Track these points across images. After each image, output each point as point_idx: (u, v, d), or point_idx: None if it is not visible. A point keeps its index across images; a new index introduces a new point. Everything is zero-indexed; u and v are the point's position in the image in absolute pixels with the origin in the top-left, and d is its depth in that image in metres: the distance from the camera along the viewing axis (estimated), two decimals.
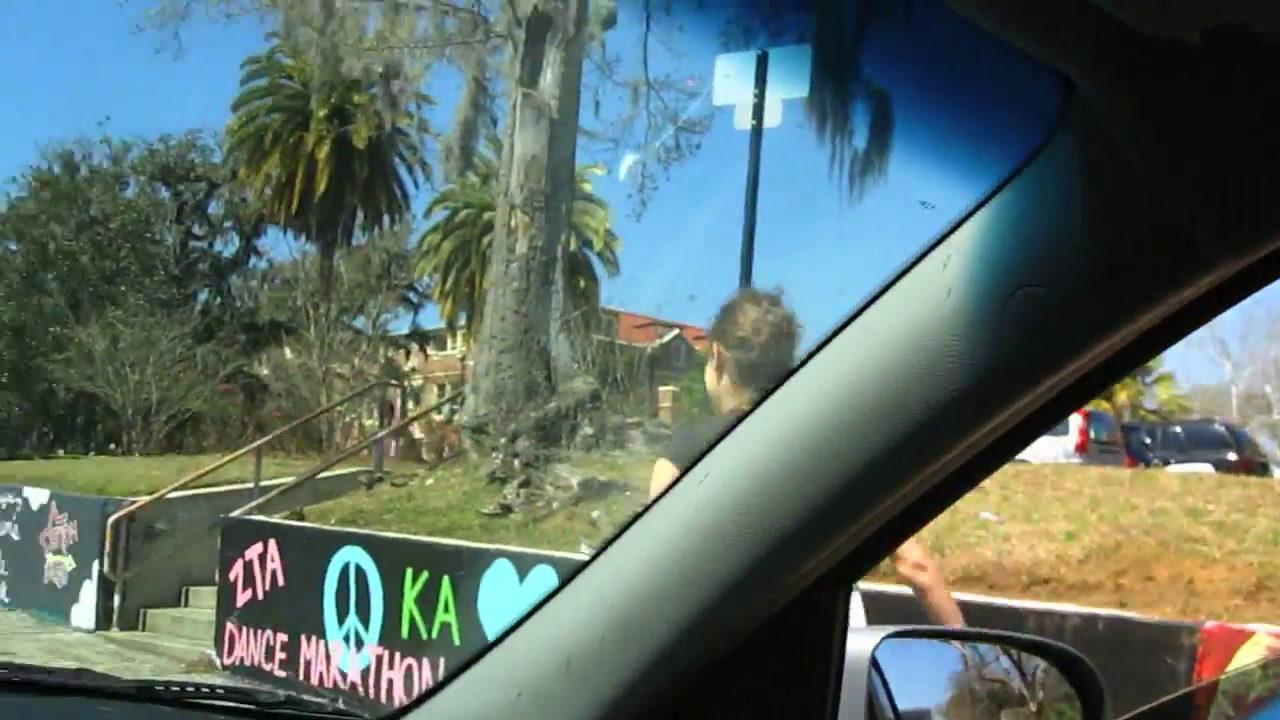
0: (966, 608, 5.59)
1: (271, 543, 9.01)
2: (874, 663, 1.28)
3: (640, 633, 1.12)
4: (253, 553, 9.12)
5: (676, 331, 56.27)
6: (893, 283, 1.00)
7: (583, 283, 34.68)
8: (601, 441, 9.25)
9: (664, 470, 3.57)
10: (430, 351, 54.83)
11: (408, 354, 52.71)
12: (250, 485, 11.56)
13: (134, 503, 11.03)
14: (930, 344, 0.96)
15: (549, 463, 8.57)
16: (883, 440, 0.99)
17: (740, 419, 1.08)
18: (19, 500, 12.05)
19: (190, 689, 1.58)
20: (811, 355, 1.05)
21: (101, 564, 10.84)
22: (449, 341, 57.48)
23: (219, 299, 46.98)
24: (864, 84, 1.40)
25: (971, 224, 0.95)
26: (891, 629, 1.36)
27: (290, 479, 11.74)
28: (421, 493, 9.25)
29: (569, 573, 1.23)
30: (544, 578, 7.06)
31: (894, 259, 1.04)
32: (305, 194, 37.13)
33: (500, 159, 10.89)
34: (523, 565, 7.20)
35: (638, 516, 1.17)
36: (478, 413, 9.87)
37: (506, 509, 8.19)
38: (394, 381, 23.68)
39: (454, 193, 40.51)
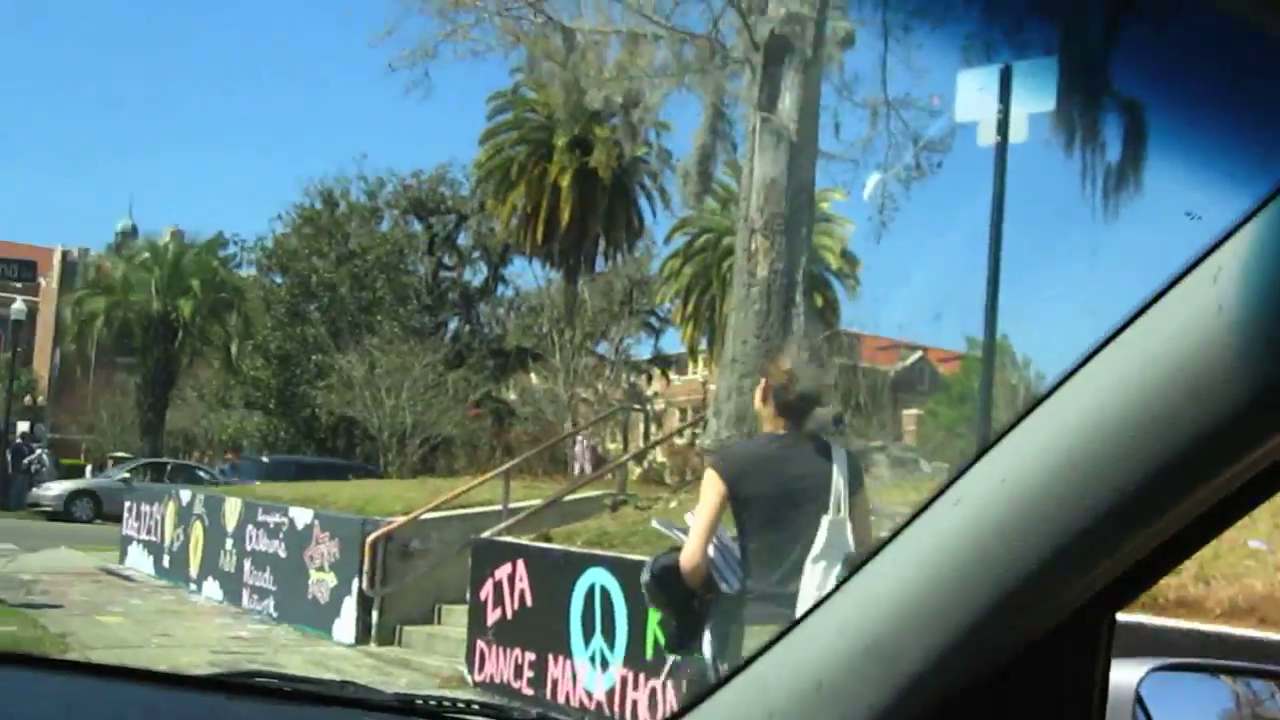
0: (1234, 642, 5.29)
1: (520, 563, 9.24)
2: (1138, 698, 1.23)
3: (893, 657, 1.10)
4: (502, 573, 9.36)
5: (920, 354, 55.25)
6: (1156, 299, 0.96)
7: (823, 305, 34.59)
8: None
9: (711, 481, 4.33)
10: (672, 376, 55.42)
11: (650, 378, 53.43)
12: (499, 507, 11.89)
13: (391, 523, 11.49)
14: (1199, 363, 0.92)
15: None
16: (1149, 464, 0.95)
17: (992, 442, 1.06)
18: (286, 520, 12.70)
19: (446, 703, 1.62)
20: (1068, 376, 1.01)
21: (361, 581, 11.32)
22: (690, 366, 57.94)
23: (468, 326, 48.63)
24: (1115, 94, 1.34)
25: (1244, 234, 0.90)
26: (1157, 661, 1.29)
27: (537, 501, 12.02)
28: (667, 514, 9.33)
29: (818, 601, 1.21)
30: None
31: (1151, 275, 0.99)
32: (550, 223, 38.08)
33: (739, 183, 10.91)
34: None
35: (888, 541, 1.15)
36: (719, 436, 9.91)
37: None
38: (637, 406, 23.84)
39: (693, 218, 40.93)
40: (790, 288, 9.92)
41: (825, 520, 4.31)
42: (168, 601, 13.56)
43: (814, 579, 4.23)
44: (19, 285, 38.72)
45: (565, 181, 37.52)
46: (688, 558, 4.33)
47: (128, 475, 29.00)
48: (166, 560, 15.55)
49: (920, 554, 1.10)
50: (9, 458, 28.99)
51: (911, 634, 1.09)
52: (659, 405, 52.18)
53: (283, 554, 12.67)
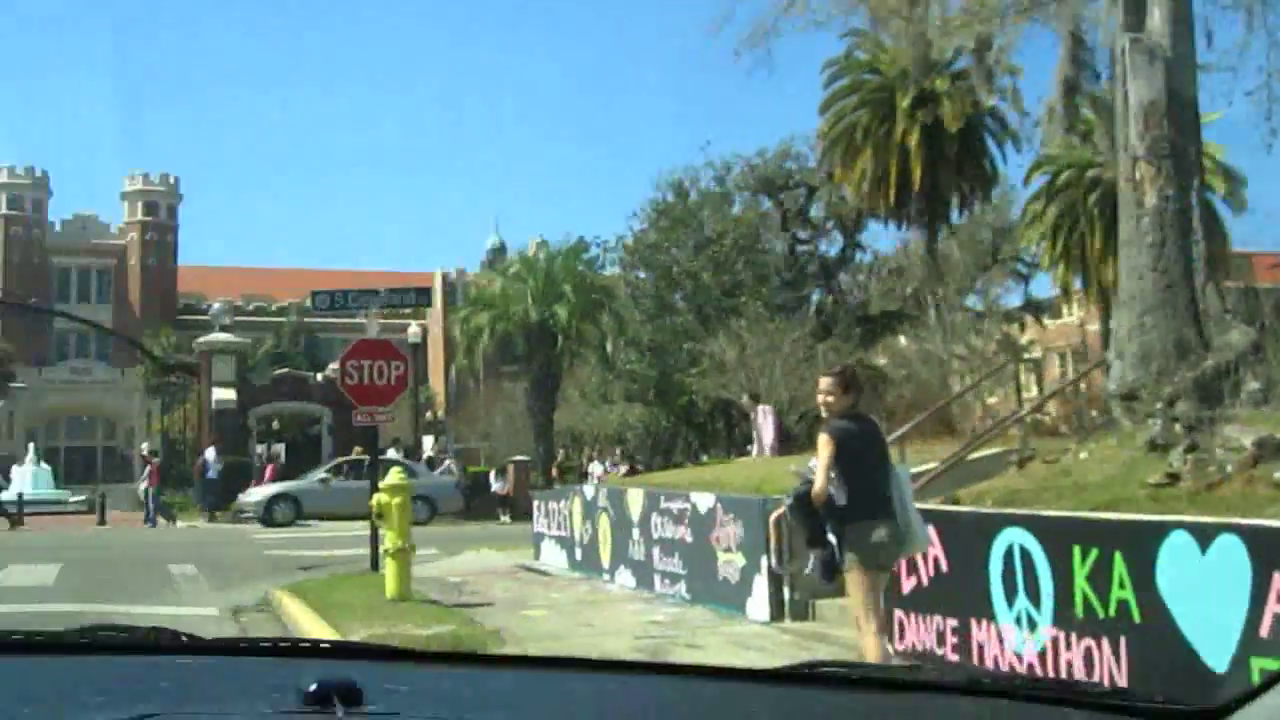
0: None
1: (930, 529, 9.09)
2: None
3: None
4: None
5: None
6: None
7: (1212, 228, 32.48)
8: (1271, 396, 8.51)
9: (825, 442, 7.13)
10: (1045, 321, 53.38)
11: (1022, 326, 51.66)
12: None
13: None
14: None
15: (1214, 424, 8.00)
16: None
17: None
18: (688, 505, 13.03)
19: (1018, 683, 1.60)
20: None
21: (769, 559, 11.46)
22: (1064, 309, 55.60)
23: (831, 297, 48.50)
24: None
25: None
26: None
27: (935, 465, 11.83)
28: (1077, 467, 8.97)
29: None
30: (1230, 547, 6.59)
31: None
32: (900, 184, 37.41)
33: (1116, 111, 10.32)
34: (1203, 535, 6.76)
35: None
36: (1125, 379, 9.42)
37: (1174, 478, 7.73)
38: (1027, 356, 23.10)
39: (1052, 156, 39.22)
40: (1184, 214, 9.29)
41: (892, 465, 7.60)
42: (584, 593, 14.17)
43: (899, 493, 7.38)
44: (408, 311, 41.66)
45: (913, 139, 36.78)
46: (818, 487, 7.19)
47: (325, 476, 30.49)
48: (579, 554, 16.27)
49: None
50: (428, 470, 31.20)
51: None
52: (1035, 352, 50.45)
53: (689, 539, 13.00)
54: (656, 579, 13.76)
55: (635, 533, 14.32)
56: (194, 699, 1.47)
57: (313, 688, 1.43)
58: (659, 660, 7.29)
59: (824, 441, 7.16)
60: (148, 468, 32.82)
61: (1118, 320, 10.04)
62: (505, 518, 30.88)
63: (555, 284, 36.12)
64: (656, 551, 13.77)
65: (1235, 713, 1.28)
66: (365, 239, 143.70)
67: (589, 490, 16.20)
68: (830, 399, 7.32)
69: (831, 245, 49.88)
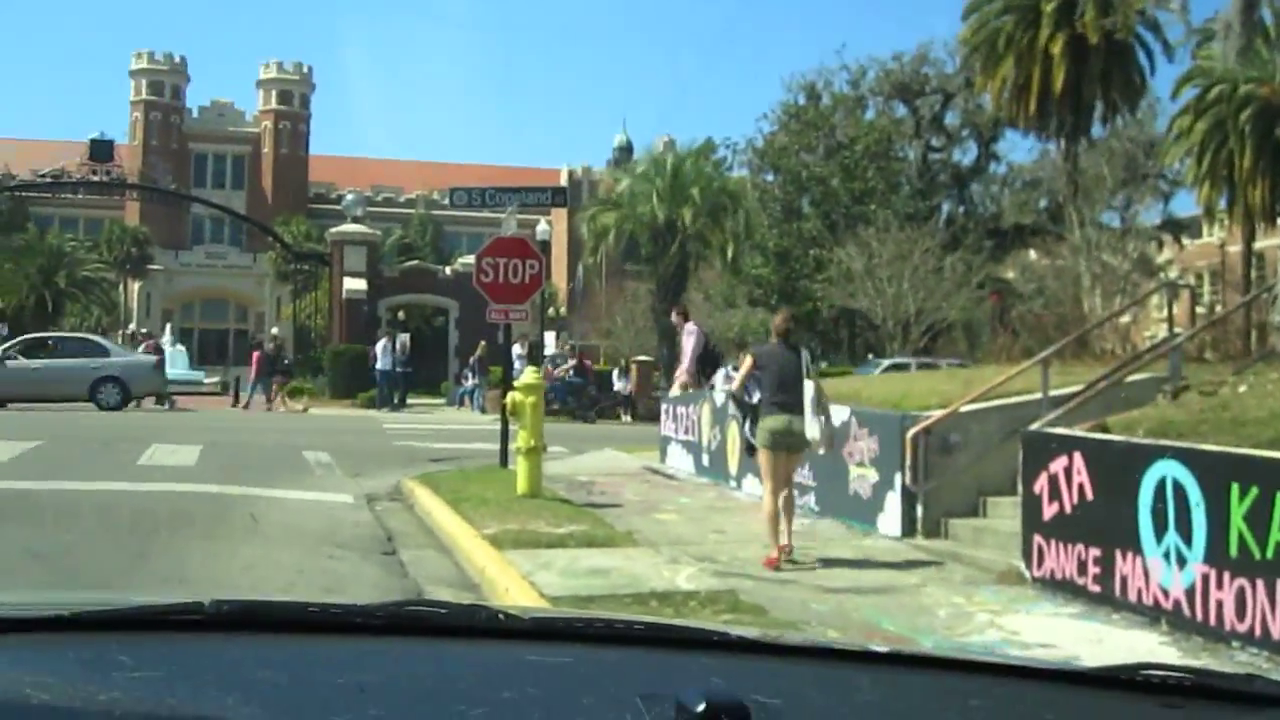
0: None
1: (1077, 455, 8.90)
2: None
3: None
4: (1057, 465, 9.06)
5: None
6: None
7: None
8: None
9: (748, 360, 10.57)
10: (1185, 241, 51.79)
11: (1160, 245, 50.20)
12: (1038, 396, 11.54)
13: (929, 417, 11.43)
14: None
15: None
16: None
17: None
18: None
19: (1146, 674, 1.51)
20: None
21: (903, 476, 11.36)
22: (1204, 229, 53.86)
23: (962, 208, 47.61)
24: None
25: None
26: None
27: (1078, 388, 11.55)
28: (1237, 400, 8.68)
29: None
30: None
31: None
32: (1042, 93, 36.30)
33: None
34: None
35: None
36: None
37: None
38: (1174, 279, 22.44)
39: (1204, 69, 37.68)
40: None
41: (808, 383, 9.98)
42: (713, 499, 14.23)
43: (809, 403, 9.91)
44: (536, 208, 41.84)
45: (1056, 47, 35.60)
46: (735, 387, 10.78)
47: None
48: (706, 459, 16.31)
49: None
50: (549, 368, 31.46)
51: None
52: (1173, 273, 49.02)
53: (821, 451, 12.93)
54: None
55: None
56: (553, 705, 1.32)
57: (700, 707, 1.25)
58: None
59: (746, 358, 10.72)
60: (255, 354, 33.59)
61: None
62: (627, 417, 31.08)
63: (682, 185, 35.83)
64: None
65: None
66: (493, 133, 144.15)
67: (718, 397, 16.18)
68: (773, 333, 10.59)
69: (966, 154, 48.87)
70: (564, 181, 60.41)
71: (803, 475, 13.36)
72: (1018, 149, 78.26)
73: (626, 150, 57.36)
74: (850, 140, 44.63)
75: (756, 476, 14.61)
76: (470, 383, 33.06)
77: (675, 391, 19.07)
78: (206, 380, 42.80)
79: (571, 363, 31.77)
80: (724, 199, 36.58)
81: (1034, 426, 9.84)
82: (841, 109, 46.57)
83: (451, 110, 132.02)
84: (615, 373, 32.98)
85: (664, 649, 1.57)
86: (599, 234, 37.82)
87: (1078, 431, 9.45)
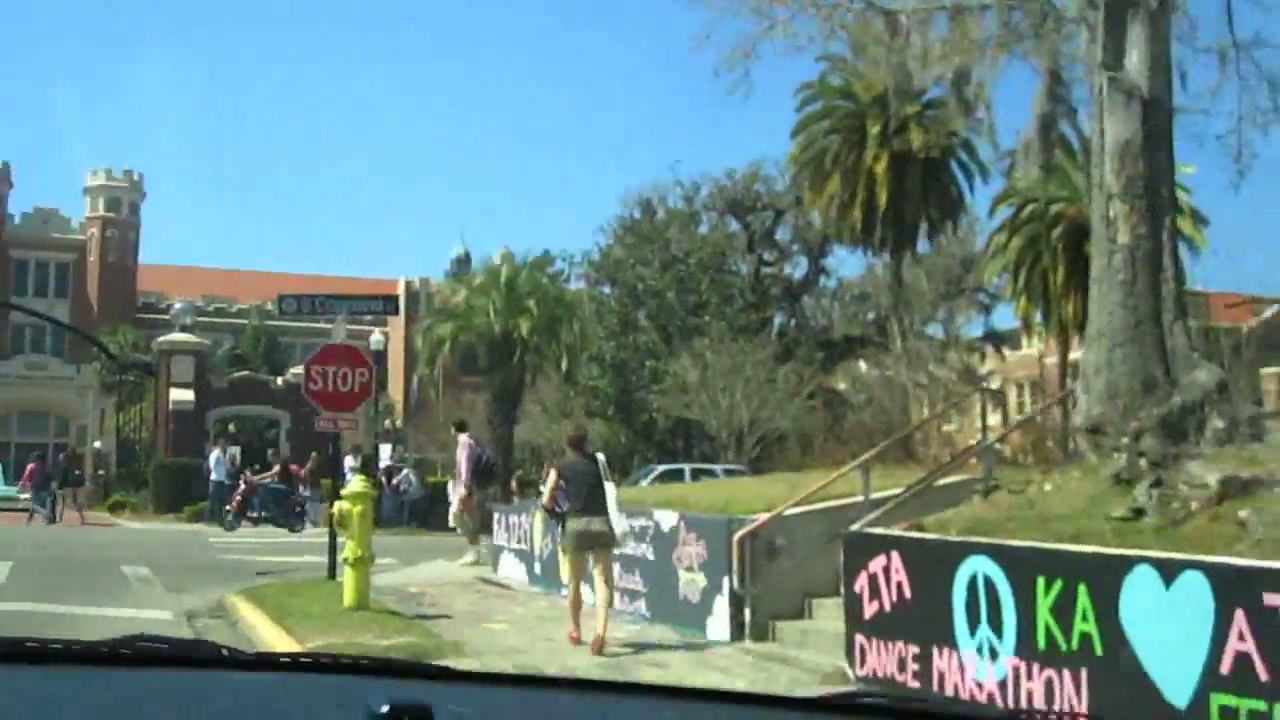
0: None
1: (894, 554, 9.14)
2: None
3: None
4: (876, 565, 9.29)
5: (1279, 307, 51.54)
6: None
7: (1178, 268, 32.80)
8: (1235, 435, 8.61)
9: (553, 472, 12.05)
10: (1005, 352, 53.81)
11: (983, 356, 52.05)
12: (860, 498, 11.83)
13: (755, 520, 11.60)
14: None
15: (1179, 461, 8.08)
16: None
17: None
18: (652, 523, 13.03)
19: (1053, 715, 1.59)
20: None
21: (731, 580, 11.48)
22: (1024, 341, 56.07)
23: (793, 320, 48.75)
24: None
25: None
26: None
27: (898, 490, 11.88)
28: (1042, 499, 9.04)
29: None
30: (1193, 584, 6.67)
31: None
32: (867, 209, 37.62)
33: (1094, 148, 10.40)
34: (1168, 571, 6.84)
35: None
36: (1092, 413, 9.49)
37: (1139, 512, 7.81)
38: (991, 387, 23.22)
39: (1016, 189, 39.57)
40: (1156, 253, 9.38)
41: (608, 485, 11.27)
42: (545, 608, 14.13)
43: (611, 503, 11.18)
44: (371, 318, 41.46)
45: (880, 166, 37.02)
46: (545, 500, 12.03)
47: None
48: (538, 568, 16.22)
49: None
50: (383, 480, 30.98)
51: None
52: (994, 383, 50.81)
53: (651, 556, 13.00)
54: (616, 596, 13.73)
55: None
56: (262, 717, 1.40)
57: (384, 709, 1.36)
58: (724, 689, 7.26)
59: (552, 472, 12.07)
60: (30, 466, 32.73)
61: (1086, 355, 10.11)
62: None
63: (518, 297, 36.02)
64: (618, 568, 13.74)
65: None
66: (328, 244, 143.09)
67: None
68: (568, 446, 12.00)
69: (797, 268, 50.17)
70: (401, 292, 60.11)
71: (633, 581, 13.42)
72: (846, 264, 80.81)
73: (464, 262, 57.41)
74: (685, 254, 45.50)
75: (589, 585, 14.64)
76: (302, 495, 32.35)
77: (455, 506, 19.33)
78: (23, 496, 41.00)
79: (276, 469, 31.06)
80: (560, 311, 36.84)
81: (854, 527, 10.08)
82: (676, 223, 47.51)
83: (289, 221, 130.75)
84: (450, 485, 32.59)
85: (377, 676, 1.63)
86: (435, 345, 37.65)
87: (895, 531, 9.71)
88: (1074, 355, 44.57)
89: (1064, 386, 44.40)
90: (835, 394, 46.17)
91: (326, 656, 1.80)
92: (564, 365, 36.92)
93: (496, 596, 15.20)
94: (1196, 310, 41.27)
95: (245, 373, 45.91)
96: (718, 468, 32.73)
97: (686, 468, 32.97)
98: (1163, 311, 9.37)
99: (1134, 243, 9.40)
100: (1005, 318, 49.44)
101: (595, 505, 11.07)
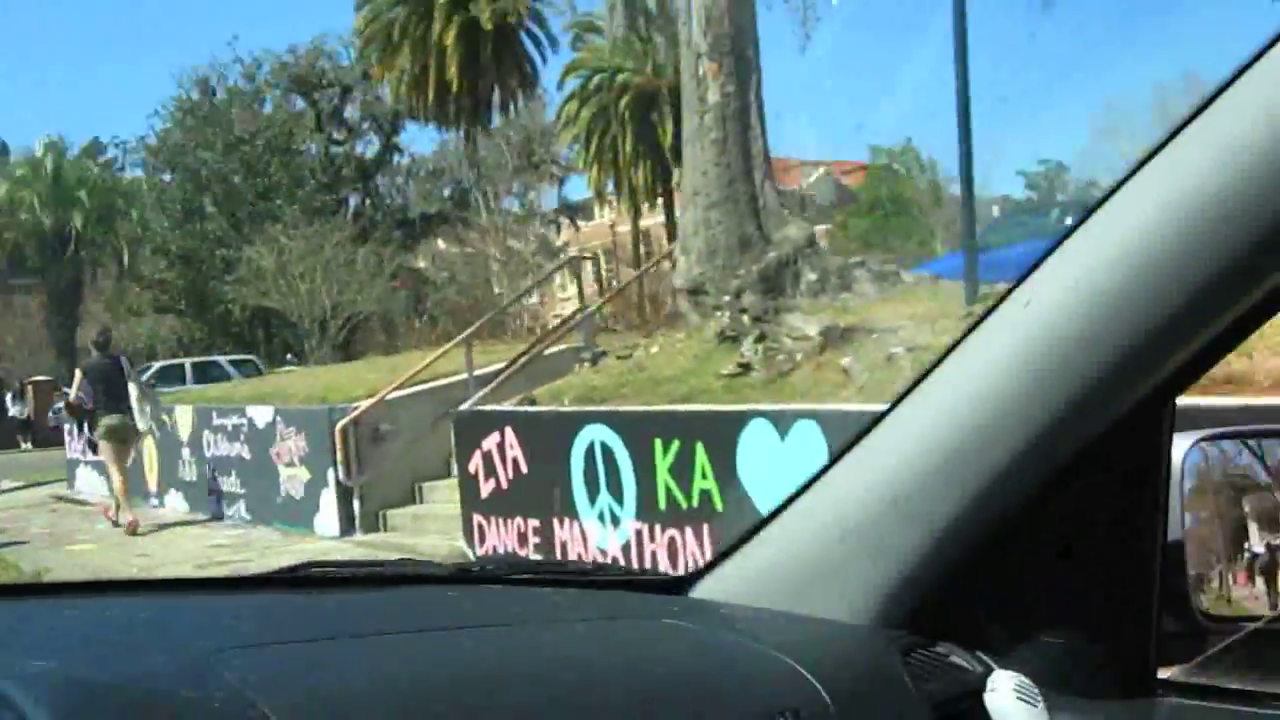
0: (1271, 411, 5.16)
1: (508, 430, 8.93)
2: (1183, 469, 1.24)
3: (972, 464, 1.13)
4: (490, 442, 9.06)
5: (824, 169, 55.10)
6: (1236, 78, 0.94)
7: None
8: (827, 286, 8.90)
9: (79, 372, 12.78)
10: (581, 223, 54.84)
11: (559, 229, 52.80)
12: (464, 376, 11.57)
13: (358, 408, 11.11)
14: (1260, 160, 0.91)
15: (779, 314, 8.26)
16: (1224, 255, 0.96)
17: (1058, 241, 1.09)
18: (244, 420, 12.27)
19: (504, 567, 1.62)
20: (1140, 166, 1.01)
21: (336, 472, 10.98)
22: (596, 210, 57.32)
23: (368, 200, 47.48)
24: None
25: None
26: (1202, 432, 1.27)
27: (501, 365, 11.69)
28: (650, 361, 9.05)
29: (877, 416, 1.25)
30: (807, 432, 6.82)
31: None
32: (440, 83, 36.80)
33: (679, 9, 10.33)
34: (782, 422, 6.96)
35: (949, 350, 1.17)
36: (692, 273, 9.57)
37: (746, 367, 7.93)
38: (586, 255, 23.38)
39: (584, 60, 39.92)
40: (744, 112, 9.48)
41: (129, 384, 12.11)
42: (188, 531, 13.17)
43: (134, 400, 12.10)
44: None
45: (450, 38, 36.23)
46: (71, 398, 12.59)
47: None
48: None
49: (993, 362, 1.12)
50: None
51: (990, 440, 1.12)
52: (572, 253, 51.60)
53: (246, 455, 12.28)
54: (212, 501, 12.94)
55: (185, 453, 13.40)
56: None
57: None
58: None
59: (77, 372, 12.68)
60: None
61: (684, 216, 10.15)
62: (27, 444, 28.30)
63: (68, 188, 33.03)
64: (211, 471, 12.93)
65: (699, 580, 1.40)
66: None
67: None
68: (92, 347, 12.69)
69: (369, 147, 48.81)
70: None
71: (229, 483, 12.67)
72: (418, 140, 79.61)
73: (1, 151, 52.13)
74: (250, 135, 43.18)
75: (180, 490, 13.76)
76: None
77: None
78: None
79: None
80: (117, 200, 34.11)
81: (464, 406, 9.80)
82: (238, 103, 44.93)
83: None
84: (9, 397, 29.89)
85: None
86: None
87: (507, 407, 9.50)
88: (646, 222, 46.11)
89: (637, 252, 45.82)
90: (416, 273, 45.59)
91: None
92: (125, 260, 34.32)
93: (78, 514, 14.02)
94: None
95: None
96: (222, 359, 30.71)
97: (187, 363, 30.70)
98: (754, 170, 9.51)
99: (724, 101, 9.45)
100: (579, 189, 50.30)
101: (117, 402, 11.99)
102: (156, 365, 31.41)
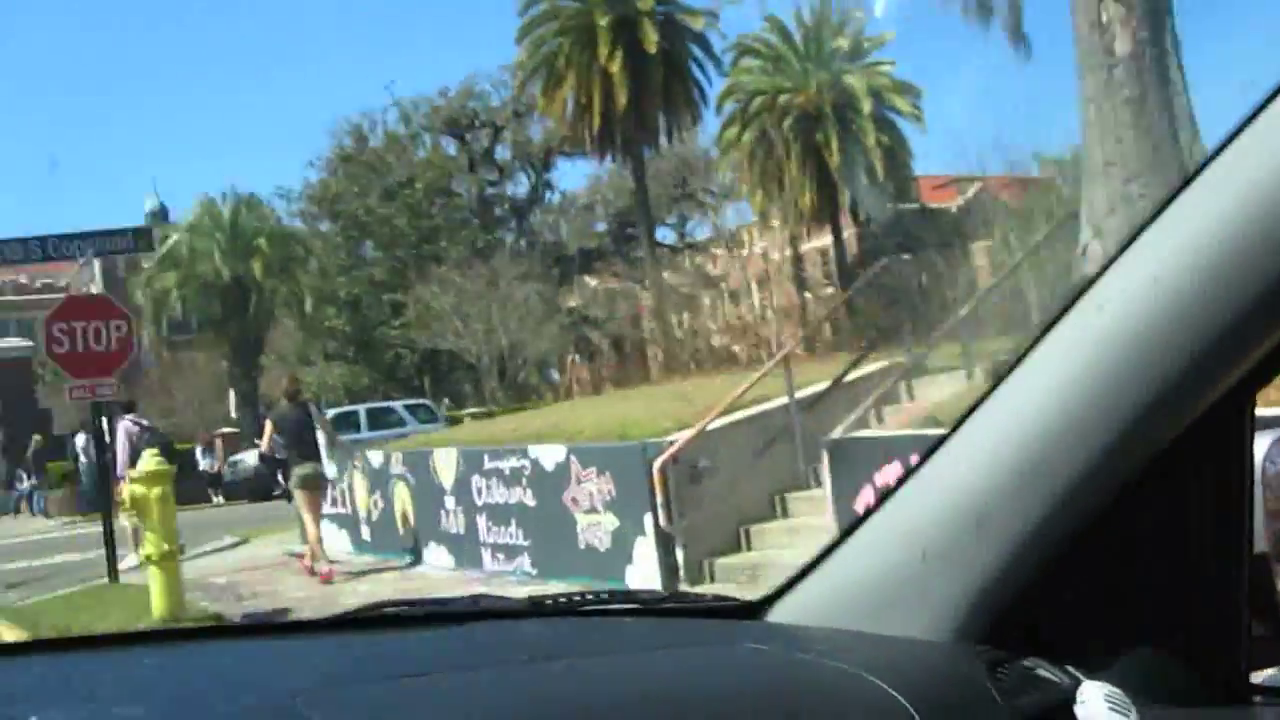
0: None
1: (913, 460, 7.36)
2: (1264, 467, 1.15)
3: (1050, 473, 1.10)
4: (887, 474, 7.48)
5: (979, 185, 52.96)
6: None
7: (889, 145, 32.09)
8: None
9: (269, 422, 13.65)
10: (737, 251, 53.28)
11: (715, 259, 51.38)
12: (784, 401, 10.07)
13: (674, 442, 9.61)
14: None
15: None
16: None
17: (1131, 239, 1.05)
18: (525, 462, 10.87)
19: (577, 598, 1.55)
20: (1215, 155, 0.98)
21: (655, 516, 9.48)
22: (750, 238, 55.60)
23: (523, 239, 46.56)
24: None
25: None
26: None
27: (825, 385, 10.16)
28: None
29: (949, 429, 1.22)
30: None
31: None
32: (605, 112, 35.59)
33: None
34: None
35: (1020, 359, 1.13)
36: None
37: None
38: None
39: (741, 83, 38.52)
40: (1163, 60, 7.80)
41: (319, 432, 12.27)
42: (395, 579, 11.89)
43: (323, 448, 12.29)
44: (64, 284, 36.57)
45: (616, 65, 35.01)
46: (264, 448, 13.43)
47: None
48: (366, 532, 13.82)
49: (1067, 365, 1.09)
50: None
51: (1067, 446, 1.08)
52: (734, 282, 50.19)
53: (530, 502, 10.87)
54: (485, 555, 11.55)
55: (449, 501, 12.05)
56: None
57: None
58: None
59: (267, 422, 12.98)
60: None
61: (1092, 191, 8.42)
62: (218, 498, 27.49)
63: (246, 238, 32.38)
64: (482, 521, 11.55)
65: (775, 604, 1.38)
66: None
67: (376, 456, 13.74)
68: (284, 397, 12.80)
69: (519, 187, 48.05)
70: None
71: (507, 534, 11.30)
72: (567, 177, 78.92)
73: (160, 215, 51.91)
74: (409, 179, 42.60)
75: (442, 544, 12.42)
76: (26, 484, 28.33)
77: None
78: None
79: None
80: (295, 247, 33.42)
81: (836, 434, 8.23)
82: (394, 149, 44.46)
83: None
84: (198, 450, 29.13)
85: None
86: (158, 298, 33.49)
87: (895, 430, 7.93)
88: (806, 246, 44.47)
89: (798, 276, 44.22)
90: (574, 310, 44.47)
91: None
92: (308, 307, 33.54)
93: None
94: (905, 194, 41.51)
95: None
96: (397, 404, 28.90)
97: (361, 409, 28.46)
98: (1179, 132, 7.81)
99: (1138, 49, 7.75)
100: (728, 218, 48.96)
101: (308, 450, 12.00)
102: (331, 413, 30.42)
